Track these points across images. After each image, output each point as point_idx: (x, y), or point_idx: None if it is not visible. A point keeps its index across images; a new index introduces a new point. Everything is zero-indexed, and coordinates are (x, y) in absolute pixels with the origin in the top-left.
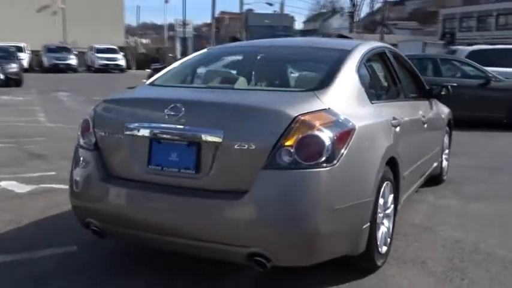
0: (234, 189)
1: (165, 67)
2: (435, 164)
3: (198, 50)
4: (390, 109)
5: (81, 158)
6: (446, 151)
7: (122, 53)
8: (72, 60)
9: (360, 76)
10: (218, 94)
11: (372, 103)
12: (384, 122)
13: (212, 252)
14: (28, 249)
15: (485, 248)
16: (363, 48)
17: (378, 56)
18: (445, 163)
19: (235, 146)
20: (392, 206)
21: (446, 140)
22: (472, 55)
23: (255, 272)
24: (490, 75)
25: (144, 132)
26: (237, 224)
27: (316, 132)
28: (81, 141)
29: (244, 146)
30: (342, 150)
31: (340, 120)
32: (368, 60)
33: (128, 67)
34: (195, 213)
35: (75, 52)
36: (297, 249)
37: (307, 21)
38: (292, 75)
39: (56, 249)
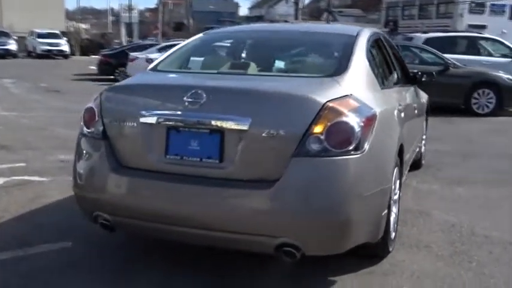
0: (261, 178)
1: (117, 53)
2: (417, 149)
3: (144, 36)
4: (395, 95)
5: (87, 148)
6: (424, 136)
7: (65, 39)
8: (12, 46)
9: (369, 61)
10: (240, 80)
11: (382, 89)
12: (394, 107)
13: (238, 243)
14: (21, 246)
15: (481, 230)
16: (365, 33)
17: (377, 41)
18: (423, 148)
19: (264, 134)
20: (398, 191)
21: (424, 125)
22: (428, 42)
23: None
24: (449, 61)
25: (161, 120)
26: (267, 213)
27: (345, 119)
28: (86, 131)
29: (273, 134)
30: (368, 137)
31: (363, 107)
32: (372, 45)
33: (72, 53)
34: (221, 203)
35: (15, 37)
36: (328, 238)
37: (252, 8)
38: (303, 60)
39: (51, 246)
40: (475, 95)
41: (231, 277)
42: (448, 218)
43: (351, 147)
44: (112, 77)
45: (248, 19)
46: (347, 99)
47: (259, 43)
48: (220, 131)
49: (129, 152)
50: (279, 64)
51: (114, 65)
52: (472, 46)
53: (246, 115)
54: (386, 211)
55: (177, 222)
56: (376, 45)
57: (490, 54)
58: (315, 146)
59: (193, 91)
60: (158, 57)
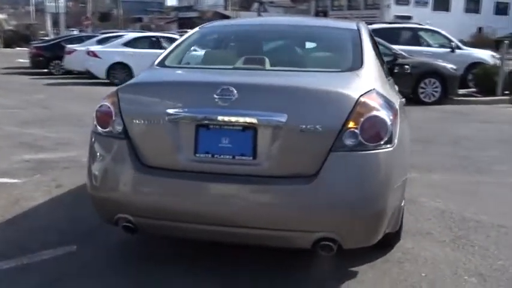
0: (296, 173)
1: (51, 45)
2: None
3: (71, 26)
4: (394, 87)
5: (105, 149)
6: None
7: None
8: None
9: (375, 55)
10: (271, 76)
11: (388, 81)
12: (399, 99)
13: (273, 240)
14: (23, 253)
15: (471, 215)
16: (364, 27)
17: (371, 34)
18: None
19: (300, 129)
20: None
21: None
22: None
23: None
24: (397, 52)
25: (190, 118)
26: (307, 208)
27: (378, 114)
28: (101, 130)
29: (311, 129)
30: (396, 130)
31: (388, 101)
32: (371, 39)
33: None
34: (260, 200)
35: None
36: (366, 230)
37: None
38: (314, 54)
39: (56, 251)
40: (422, 84)
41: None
42: (436, 205)
43: (383, 141)
44: (46, 70)
45: (176, 9)
46: (374, 93)
47: (265, 37)
48: (254, 128)
49: (154, 151)
50: (293, 58)
51: (48, 58)
52: (414, 37)
53: (281, 111)
54: (404, 201)
55: (208, 221)
56: (372, 39)
57: (429, 45)
58: (351, 141)
59: (223, 87)
60: (100, 49)
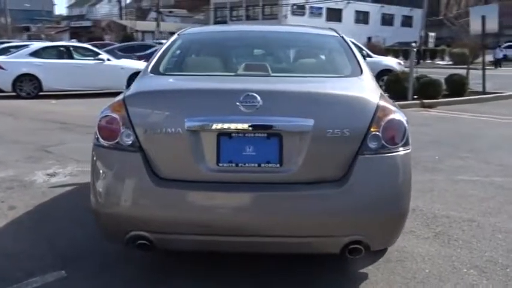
0: (323, 178)
1: None
2: None
3: None
4: None
5: (114, 162)
6: None
7: None
8: None
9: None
10: (296, 83)
11: None
12: None
13: (304, 247)
14: (8, 284)
15: (440, 212)
16: (341, 33)
17: None
18: None
19: (328, 134)
20: None
21: None
22: None
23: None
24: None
25: (213, 126)
26: (339, 213)
27: (397, 117)
28: (106, 142)
29: (338, 134)
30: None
31: (395, 104)
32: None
33: None
34: (290, 208)
35: None
36: (393, 230)
37: (71, 6)
38: (311, 60)
39: (44, 278)
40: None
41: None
42: None
43: (402, 143)
44: None
45: (68, 18)
46: (384, 97)
47: (256, 44)
48: (279, 134)
49: (171, 163)
50: (290, 64)
51: None
52: None
53: (308, 116)
54: None
55: (236, 232)
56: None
57: None
58: (374, 144)
59: (246, 94)
60: (4, 60)
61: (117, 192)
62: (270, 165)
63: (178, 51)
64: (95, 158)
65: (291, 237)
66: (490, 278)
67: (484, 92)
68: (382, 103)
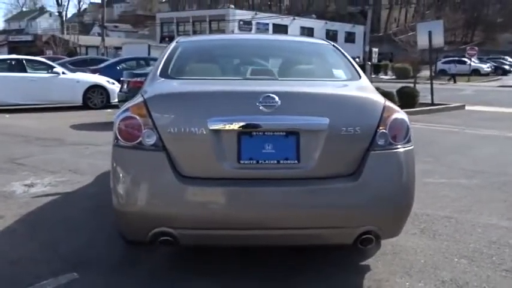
0: (338, 173)
1: None
2: None
3: None
4: None
5: (136, 162)
6: None
7: None
8: None
9: None
10: (304, 85)
11: None
12: None
13: (321, 238)
14: (21, 286)
15: (419, 211)
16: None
17: None
18: None
19: (342, 132)
20: None
21: None
22: None
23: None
24: None
25: (235, 126)
26: (355, 205)
27: (401, 116)
28: (127, 143)
29: (351, 131)
30: None
31: (395, 104)
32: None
33: None
34: (309, 201)
35: None
36: (401, 221)
37: (9, 20)
38: (312, 66)
39: (57, 280)
40: None
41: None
42: None
43: (406, 140)
44: None
45: (6, 32)
46: (385, 99)
47: (256, 50)
48: (297, 132)
49: (194, 161)
50: (293, 69)
51: None
52: None
53: (323, 116)
54: None
55: (257, 225)
56: None
57: None
58: (382, 141)
59: (266, 95)
60: None
61: (141, 191)
62: (288, 161)
63: (182, 57)
64: (116, 159)
65: (310, 229)
66: (480, 266)
67: (432, 104)
68: (388, 103)
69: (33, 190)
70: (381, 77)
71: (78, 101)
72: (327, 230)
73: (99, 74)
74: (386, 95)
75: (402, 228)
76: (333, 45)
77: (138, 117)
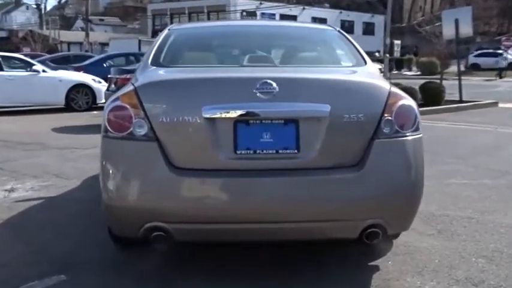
0: (340, 163)
1: None
2: None
3: None
4: None
5: (127, 153)
6: None
7: None
8: None
9: None
10: (307, 70)
11: None
12: None
13: (325, 232)
14: None
15: (437, 212)
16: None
17: None
18: None
19: (343, 119)
20: None
21: None
22: None
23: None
24: None
25: (231, 114)
26: (359, 196)
27: (408, 103)
28: (117, 133)
29: (353, 119)
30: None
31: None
32: None
33: None
34: (310, 192)
35: None
36: (410, 214)
37: None
38: (316, 52)
39: (44, 282)
40: None
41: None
42: None
43: (414, 127)
44: None
45: None
46: (393, 85)
47: (254, 37)
48: (296, 120)
49: (188, 151)
50: (294, 56)
51: None
52: None
53: (324, 102)
54: None
55: (255, 219)
56: None
57: None
58: (388, 129)
59: (263, 81)
60: None
61: (132, 183)
62: (287, 151)
63: (174, 45)
64: (105, 151)
65: (312, 222)
66: (499, 265)
67: (461, 101)
68: (393, 89)
69: (15, 195)
70: (404, 73)
71: (61, 102)
72: (330, 224)
73: (84, 72)
74: (407, 90)
75: (411, 222)
76: (338, 31)
77: (128, 107)
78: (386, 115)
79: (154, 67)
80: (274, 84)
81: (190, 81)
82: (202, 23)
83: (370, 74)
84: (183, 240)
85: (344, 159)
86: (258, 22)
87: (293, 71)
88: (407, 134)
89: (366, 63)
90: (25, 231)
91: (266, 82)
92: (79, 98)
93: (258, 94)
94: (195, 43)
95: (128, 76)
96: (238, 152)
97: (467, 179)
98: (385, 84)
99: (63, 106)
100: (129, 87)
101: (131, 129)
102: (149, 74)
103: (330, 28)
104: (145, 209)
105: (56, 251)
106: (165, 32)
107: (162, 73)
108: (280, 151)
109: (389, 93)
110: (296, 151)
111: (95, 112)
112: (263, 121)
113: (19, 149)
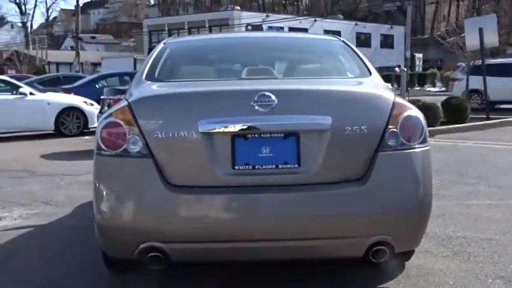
0: (344, 177)
1: None
2: None
3: None
4: None
5: (121, 171)
6: None
7: None
8: None
9: None
10: (307, 82)
11: None
12: None
13: (329, 250)
14: None
15: (455, 234)
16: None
17: None
18: None
19: (345, 132)
20: None
21: None
22: None
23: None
24: None
25: (228, 128)
26: (363, 212)
27: (414, 114)
28: (110, 151)
29: (356, 131)
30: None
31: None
32: None
33: None
34: (312, 209)
35: None
36: (418, 230)
37: None
38: (318, 63)
39: None
40: None
41: None
42: None
43: (420, 139)
44: None
45: None
46: (398, 96)
47: (253, 49)
48: (296, 133)
49: (184, 168)
50: (298, 68)
51: None
52: None
53: (325, 114)
54: None
55: (256, 237)
56: None
57: None
58: (393, 141)
59: (261, 94)
60: None
61: (127, 202)
62: (288, 166)
63: (170, 59)
64: (99, 169)
65: (314, 240)
66: None
67: (488, 118)
68: (398, 100)
69: (2, 223)
70: (428, 89)
71: (50, 126)
72: (334, 241)
73: (74, 94)
74: (428, 108)
75: (420, 239)
76: (342, 41)
77: (122, 123)
78: (391, 127)
79: (149, 82)
80: (273, 97)
81: (185, 95)
82: (198, 36)
83: (374, 85)
84: (180, 261)
85: (347, 173)
86: (258, 34)
87: (293, 83)
88: (414, 147)
89: (370, 74)
90: (13, 260)
91: (264, 94)
92: (69, 122)
93: (256, 107)
94: (191, 56)
95: (122, 97)
96: (237, 167)
97: (490, 199)
98: (389, 95)
99: (52, 131)
100: (122, 103)
101: (125, 146)
102: (143, 88)
103: (333, 38)
104: (141, 229)
105: (45, 279)
106: (160, 45)
107: (156, 88)
108: (280, 166)
109: (394, 104)
110: (297, 166)
111: (86, 137)
112: (262, 135)
113: (4, 176)
